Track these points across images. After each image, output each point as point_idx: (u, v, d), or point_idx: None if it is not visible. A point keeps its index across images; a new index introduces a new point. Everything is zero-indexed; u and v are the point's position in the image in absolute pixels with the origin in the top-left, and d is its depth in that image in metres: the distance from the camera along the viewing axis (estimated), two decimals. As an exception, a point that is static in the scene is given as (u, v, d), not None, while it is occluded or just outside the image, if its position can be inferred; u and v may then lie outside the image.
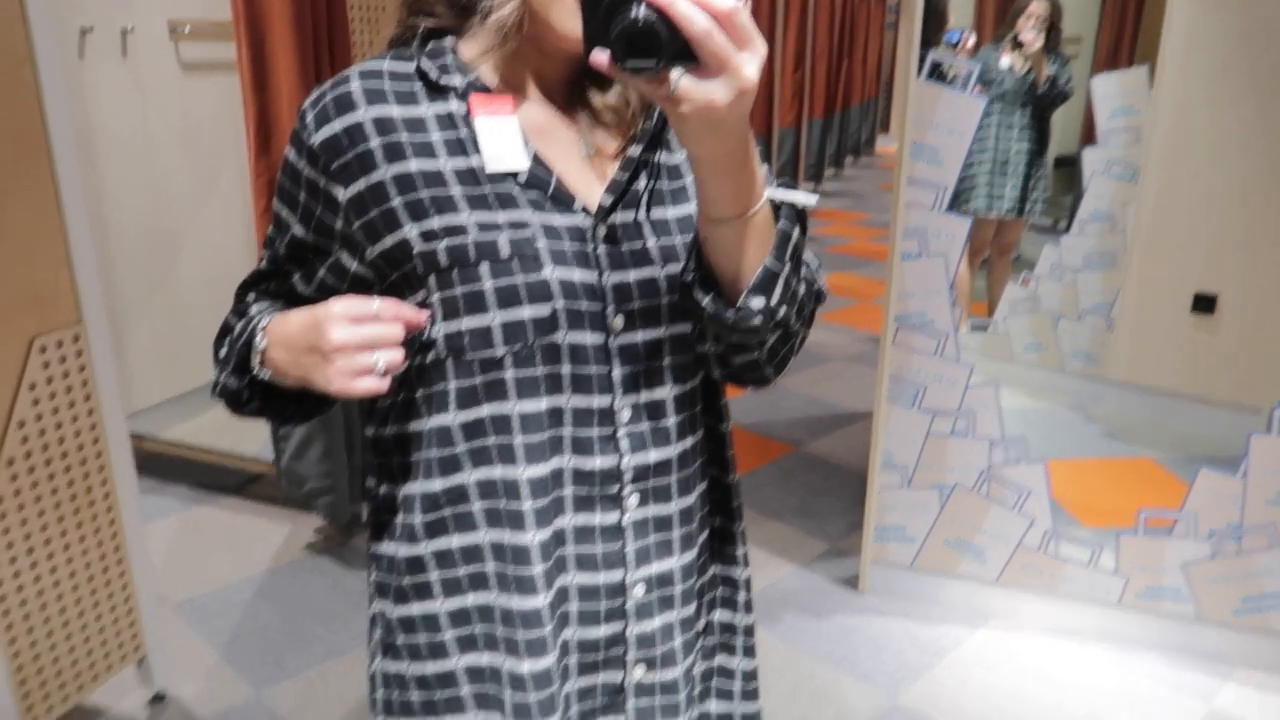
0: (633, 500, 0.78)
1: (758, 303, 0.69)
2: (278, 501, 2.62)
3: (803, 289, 0.74)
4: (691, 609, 0.84)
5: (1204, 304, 3.04)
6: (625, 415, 0.77)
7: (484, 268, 0.72)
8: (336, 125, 0.74)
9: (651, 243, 0.77)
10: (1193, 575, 2.10)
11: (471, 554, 0.78)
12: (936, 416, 2.18)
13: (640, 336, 0.76)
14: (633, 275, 0.75)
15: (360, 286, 0.78)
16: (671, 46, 0.58)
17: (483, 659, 0.79)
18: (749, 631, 0.91)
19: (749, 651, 0.92)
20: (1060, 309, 3.38)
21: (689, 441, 0.81)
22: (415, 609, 0.80)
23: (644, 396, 0.77)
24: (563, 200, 0.75)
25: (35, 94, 1.53)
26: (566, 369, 0.75)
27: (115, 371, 1.71)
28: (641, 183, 0.78)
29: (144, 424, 2.85)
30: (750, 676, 0.92)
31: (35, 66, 1.52)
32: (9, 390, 1.55)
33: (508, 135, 0.75)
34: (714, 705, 0.91)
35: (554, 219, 0.74)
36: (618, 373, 0.76)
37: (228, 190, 3.19)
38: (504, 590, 0.77)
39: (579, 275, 0.73)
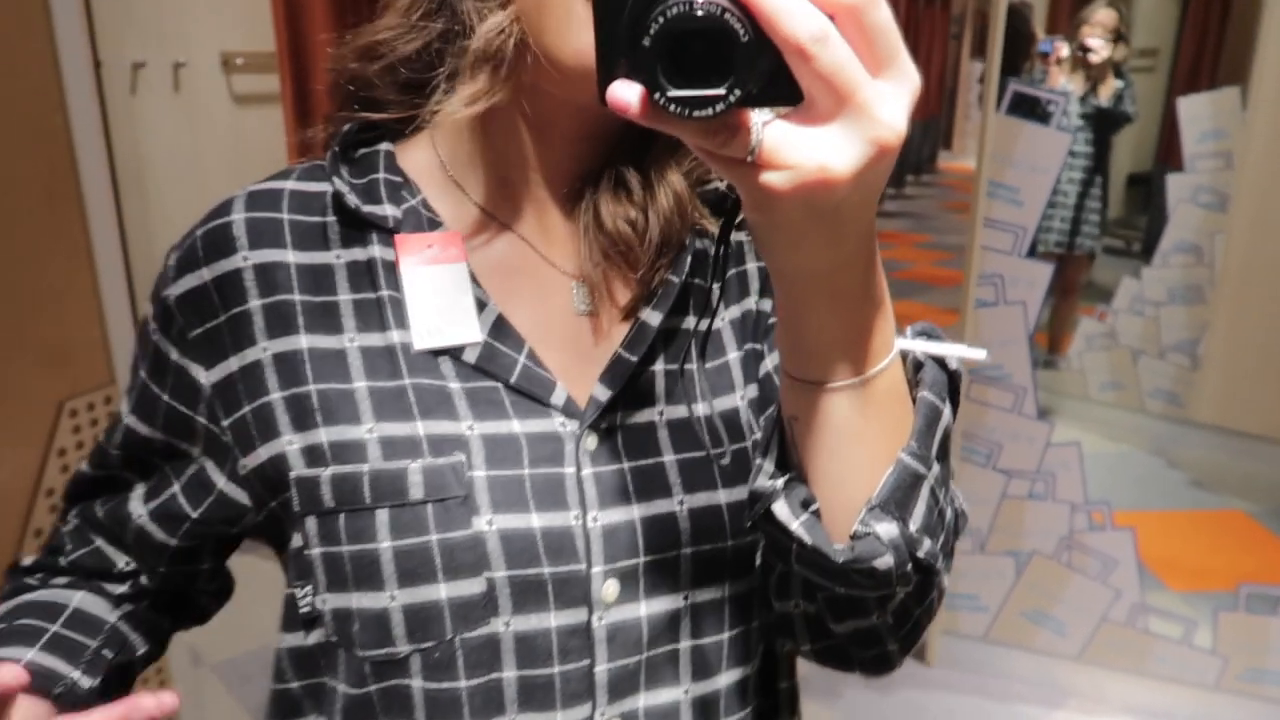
0: None
1: (888, 529, 0.42)
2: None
3: (949, 512, 0.46)
4: None
5: (1299, 343, 2.88)
6: None
7: (382, 516, 0.48)
8: (205, 273, 0.52)
9: (670, 457, 0.52)
10: (1301, 659, 1.93)
11: None
12: (1013, 477, 2.04)
13: (645, 610, 0.51)
14: (638, 512, 0.51)
15: (229, 511, 0.54)
16: (753, 65, 0.33)
17: None
18: None
19: None
20: (1141, 345, 3.23)
21: None
22: None
23: (644, 701, 0.51)
24: (533, 392, 0.51)
25: (66, 140, 1.48)
26: (510, 675, 0.49)
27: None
28: (659, 365, 0.53)
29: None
30: None
31: (67, 114, 1.48)
32: (38, 457, 1.49)
33: (449, 293, 0.51)
34: None
35: (512, 425, 0.50)
36: (603, 669, 0.50)
37: (277, 224, 3.18)
38: None
39: (541, 521, 0.49)
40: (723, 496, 0.52)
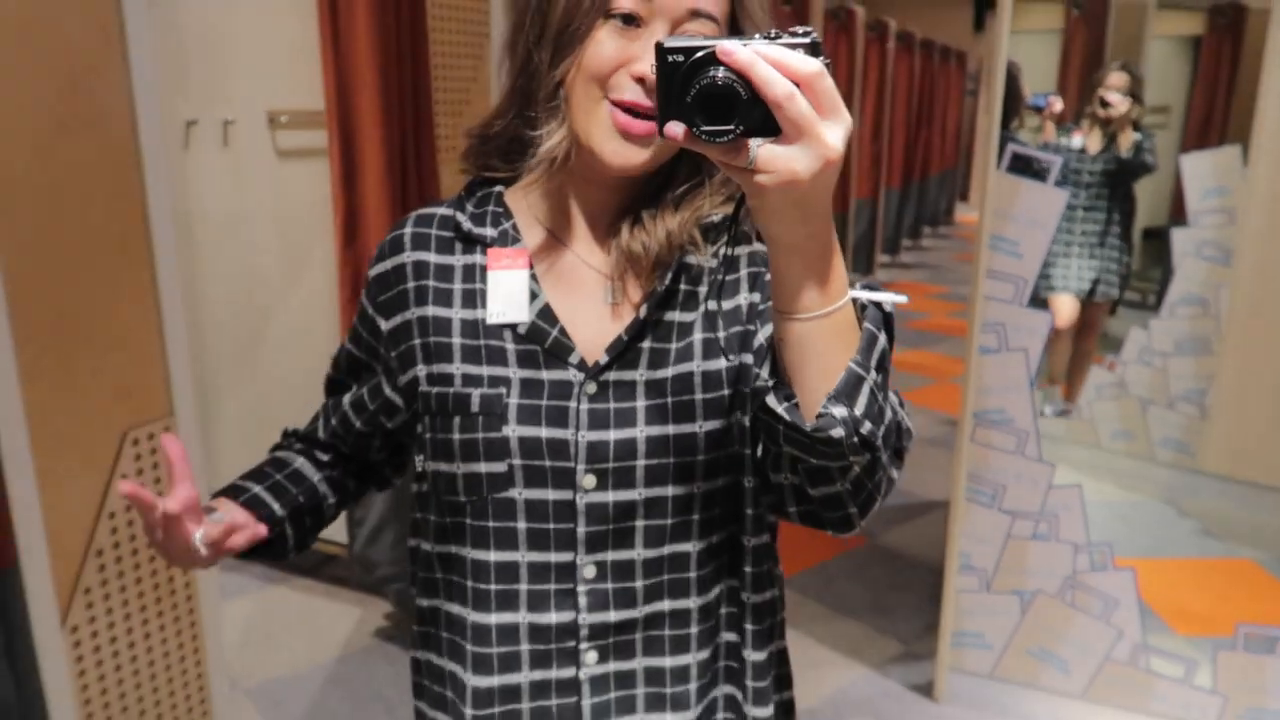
0: (590, 656, 0.77)
1: (840, 410, 0.61)
2: (350, 584, 2.65)
3: (890, 413, 0.66)
4: None
5: (1305, 394, 2.91)
6: (589, 572, 0.76)
7: (455, 420, 0.76)
8: (388, 264, 0.83)
9: (641, 403, 0.75)
10: (1300, 698, 1.97)
11: (438, 677, 0.84)
12: (1017, 518, 2.11)
13: (611, 496, 0.75)
14: (613, 435, 0.75)
15: (391, 408, 0.86)
16: (751, 113, 0.55)
17: None
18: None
19: None
20: (1150, 395, 3.27)
21: (665, 605, 0.78)
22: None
23: (611, 556, 0.76)
24: (559, 354, 0.77)
25: (141, 196, 1.61)
26: (522, 525, 0.76)
27: (201, 462, 1.77)
28: (645, 344, 0.77)
29: (226, 499, 2.94)
30: None
31: (142, 169, 1.61)
32: (101, 482, 1.61)
33: (514, 289, 0.78)
34: None
35: (541, 374, 0.76)
36: (582, 530, 0.75)
37: (317, 274, 3.32)
38: None
39: (548, 433, 0.74)
40: (671, 429, 0.75)
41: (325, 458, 0.95)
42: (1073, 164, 3.27)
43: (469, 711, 0.79)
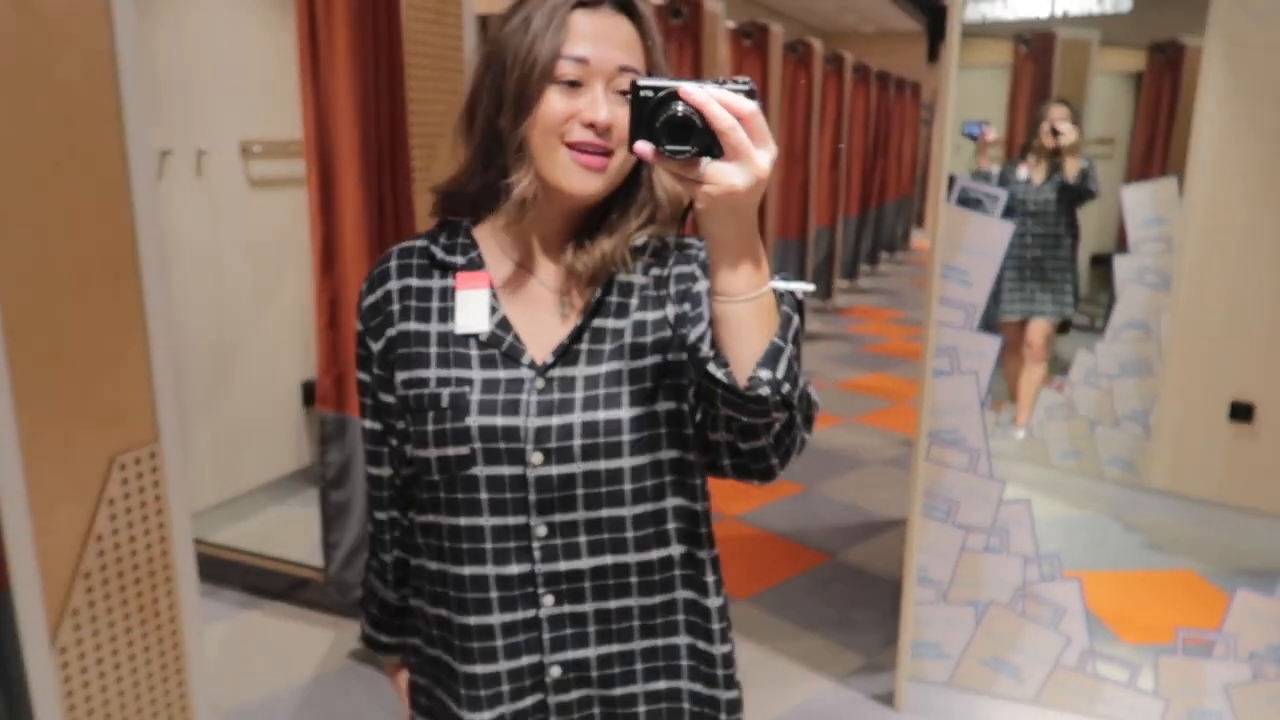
0: (548, 600, 0.95)
1: (766, 374, 0.79)
2: (322, 607, 2.69)
3: (803, 379, 0.85)
4: (619, 690, 0.98)
5: (1241, 412, 3.05)
6: (540, 531, 0.93)
7: (429, 415, 0.93)
8: (377, 293, 0.99)
9: (579, 395, 0.92)
10: (1235, 698, 2.08)
11: (434, 621, 1.01)
12: (970, 532, 2.22)
13: (555, 470, 0.91)
14: (555, 420, 0.91)
15: (393, 411, 1.01)
16: (703, 139, 0.73)
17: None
18: (727, 660, 1.01)
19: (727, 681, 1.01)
20: (1096, 415, 3.40)
21: (607, 559, 0.94)
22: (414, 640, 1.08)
23: (557, 518, 0.93)
24: (514, 356, 0.94)
25: (131, 228, 1.66)
26: (484, 495, 0.93)
27: (185, 487, 1.81)
28: (583, 346, 0.94)
29: (198, 527, 2.95)
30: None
31: (131, 202, 1.66)
32: (90, 506, 1.65)
33: (478, 304, 0.95)
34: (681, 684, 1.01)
35: (499, 373, 0.93)
36: (533, 497, 0.92)
37: (287, 301, 3.36)
38: (454, 658, 0.99)
39: (502, 421, 0.91)
40: (602, 415, 0.91)
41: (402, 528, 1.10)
42: (1019, 195, 3.44)
43: (457, 643, 0.98)
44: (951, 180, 2.16)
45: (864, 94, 8.35)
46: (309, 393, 3.44)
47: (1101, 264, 3.91)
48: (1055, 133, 3.36)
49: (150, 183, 1.68)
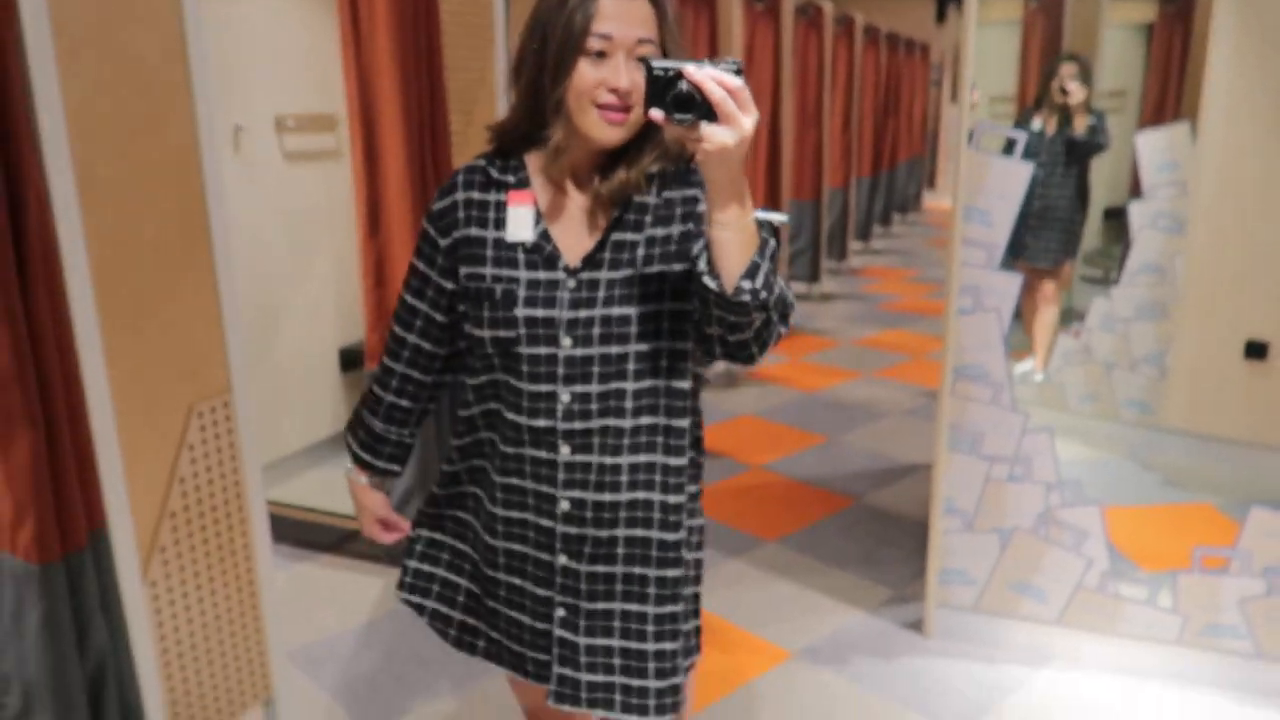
0: (565, 449, 1.21)
1: (747, 284, 1.03)
2: (369, 557, 2.82)
3: (779, 288, 1.09)
4: (605, 531, 1.23)
5: (1256, 350, 3.11)
6: (564, 398, 1.19)
7: (485, 304, 1.20)
8: (446, 200, 1.25)
9: (601, 294, 1.17)
10: (1250, 612, 2.19)
11: (485, 442, 1.31)
12: (994, 462, 2.32)
13: (579, 351, 1.18)
14: (583, 313, 1.17)
15: (449, 295, 1.28)
16: (701, 108, 0.97)
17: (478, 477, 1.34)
18: (678, 509, 1.24)
19: (672, 526, 1.25)
20: (1113, 359, 3.48)
21: (610, 421, 1.20)
22: (446, 468, 1.38)
23: (578, 388, 1.19)
24: (551, 261, 1.19)
25: (201, 191, 1.77)
26: (525, 368, 1.19)
27: (256, 434, 1.93)
28: (605, 254, 1.19)
29: (252, 484, 3.08)
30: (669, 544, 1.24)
31: (200, 159, 1.77)
32: (173, 450, 1.77)
33: (524, 219, 1.20)
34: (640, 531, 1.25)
35: (540, 274, 1.19)
36: (561, 371, 1.18)
37: (324, 270, 3.47)
38: (492, 467, 1.29)
39: (542, 312, 1.17)
40: (616, 310, 1.17)
41: (414, 381, 1.38)
42: (1033, 146, 3.51)
43: (498, 463, 1.27)
44: (972, 133, 2.24)
45: (875, 56, 8.35)
46: (346, 359, 3.56)
47: (1115, 218, 3.97)
48: (1064, 91, 3.44)
49: (218, 151, 1.79)
